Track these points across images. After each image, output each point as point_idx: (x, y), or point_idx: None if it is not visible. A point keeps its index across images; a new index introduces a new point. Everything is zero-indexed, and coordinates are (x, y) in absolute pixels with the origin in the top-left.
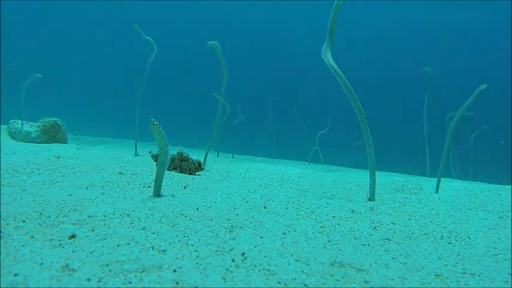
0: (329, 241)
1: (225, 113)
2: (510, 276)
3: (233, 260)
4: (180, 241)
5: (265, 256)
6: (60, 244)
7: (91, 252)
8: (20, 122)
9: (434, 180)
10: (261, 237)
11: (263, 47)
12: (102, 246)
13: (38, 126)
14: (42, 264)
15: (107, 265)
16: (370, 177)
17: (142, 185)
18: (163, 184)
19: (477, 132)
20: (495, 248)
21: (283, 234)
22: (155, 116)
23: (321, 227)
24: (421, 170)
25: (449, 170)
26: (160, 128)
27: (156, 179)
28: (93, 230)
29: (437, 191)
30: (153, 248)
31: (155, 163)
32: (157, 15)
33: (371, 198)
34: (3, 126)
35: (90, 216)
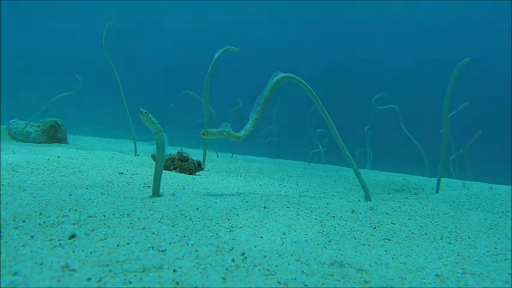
0: (329, 241)
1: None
2: (510, 276)
3: (233, 260)
4: (180, 241)
5: (265, 256)
6: (60, 244)
7: (91, 252)
8: (19, 122)
9: (434, 180)
10: (261, 237)
11: (269, 47)
12: (102, 246)
13: (38, 126)
14: (42, 264)
15: (107, 265)
16: (357, 178)
17: (142, 185)
18: (163, 184)
19: (474, 138)
20: (495, 248)
21: (283, 234)
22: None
23: (321, 227)
24: (421, 170)
25: (449, 170)
26: (150, 115)
27: (156, 167)
28: (93, 230)
29: (437, 191)
30: (153, 248)
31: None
32: (159, 15)
33: (367, 197)
34: (3, 126)
35: (90, 216)
